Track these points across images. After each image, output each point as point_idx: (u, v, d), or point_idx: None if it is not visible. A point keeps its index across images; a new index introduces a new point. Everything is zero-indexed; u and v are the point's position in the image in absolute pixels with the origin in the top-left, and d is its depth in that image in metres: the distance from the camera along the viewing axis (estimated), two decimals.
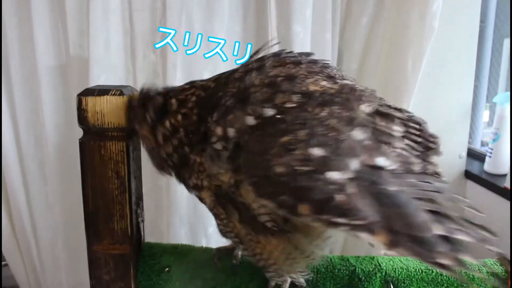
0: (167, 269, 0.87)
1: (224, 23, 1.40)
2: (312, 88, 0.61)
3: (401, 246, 0.48)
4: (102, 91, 0.79)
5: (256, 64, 0.67)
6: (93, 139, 0.81)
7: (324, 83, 0.62)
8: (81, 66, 1.39)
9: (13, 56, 1.41)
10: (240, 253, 0.86)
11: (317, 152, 0.53)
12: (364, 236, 0.48)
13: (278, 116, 0.57)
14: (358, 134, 0.56)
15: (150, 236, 1.45)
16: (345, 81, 0.66)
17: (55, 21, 1.40)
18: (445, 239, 0.48)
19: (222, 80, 0.68)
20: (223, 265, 0.87)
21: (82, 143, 0.81)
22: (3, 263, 1.62)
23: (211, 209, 0.71)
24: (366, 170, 0.53)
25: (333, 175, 0.51)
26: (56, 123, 1.45)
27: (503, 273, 0.88)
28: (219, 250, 0.88)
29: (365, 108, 0.60)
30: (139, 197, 0.88)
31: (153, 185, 1.48)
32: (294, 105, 0.58)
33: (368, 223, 0.48)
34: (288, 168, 0.52)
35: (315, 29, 1.43)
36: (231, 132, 0.60)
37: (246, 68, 0.67)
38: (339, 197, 0.50)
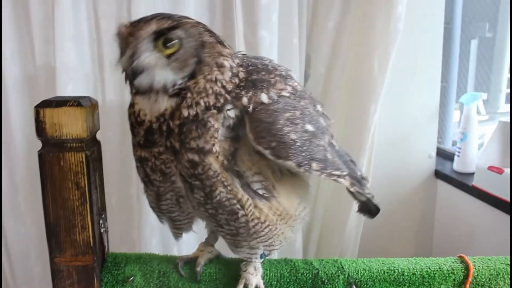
0: (132, 278, 0.87)
1: None
2: (293, 84, 0.82)
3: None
4: (59, 102, 0.79)
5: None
6: (52, 150, 0.81)
7: (295, 83, 0.83)
8: (48, 75, 1.38)
9: None
10: (203, 261, 0.87)
11: (309, 127, 0.76)
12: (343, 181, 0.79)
13: (277, 99, 0.76)
14: (322, 121, 0.83)
15: (121, 246, 1.45)
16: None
17: (20, 30, 1.38)
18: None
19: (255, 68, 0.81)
20: (187, 273, 0.87)
21: (41, 154, 0.81)
22: None
23: (214, 177, 0.74)
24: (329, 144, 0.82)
25: (320, 143, 0.77)
26: (25, 133, 1.42)
27: (463, 271, 0.90)
28: (182, 258, 0.88)
29: (319, 108, 0.86)
30: (102, 208, 0.88)
31: (124, 194, 1.47)
32: (287, 94, 0.78)
33: (345, 174, 0.79)
34: (297, 136, 0.72)
35: (282, 33, 1.43)
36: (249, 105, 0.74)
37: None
38: (330, 156, 0.77)
